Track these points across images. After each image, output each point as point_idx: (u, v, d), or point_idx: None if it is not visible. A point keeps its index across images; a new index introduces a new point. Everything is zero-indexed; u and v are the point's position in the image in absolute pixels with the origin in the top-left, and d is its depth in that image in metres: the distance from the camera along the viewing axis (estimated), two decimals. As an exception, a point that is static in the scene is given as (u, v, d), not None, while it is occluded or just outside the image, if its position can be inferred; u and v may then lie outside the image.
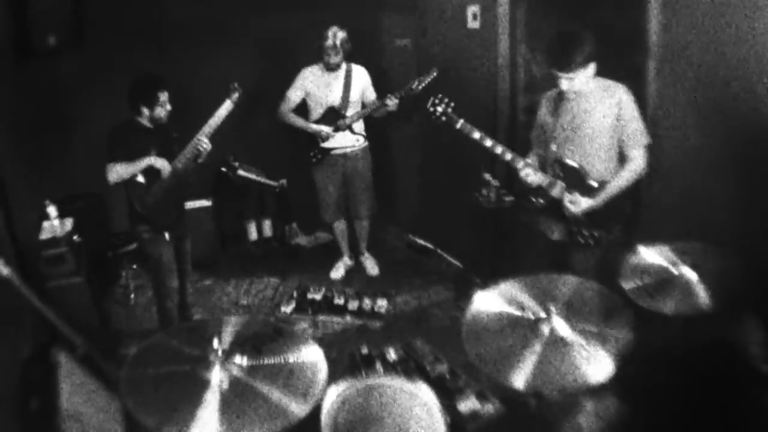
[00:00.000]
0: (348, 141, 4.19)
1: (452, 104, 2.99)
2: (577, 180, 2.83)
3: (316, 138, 4.15)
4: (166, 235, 3.35)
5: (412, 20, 4.62)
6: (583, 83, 2.68)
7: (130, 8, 4.11)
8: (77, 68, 4.04)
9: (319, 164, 4.25)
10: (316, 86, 4.11)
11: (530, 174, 2.88)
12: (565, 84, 2.68)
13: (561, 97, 2.82)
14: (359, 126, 4.22)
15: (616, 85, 2.73)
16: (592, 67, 2.67)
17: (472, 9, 3.96)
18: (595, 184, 2.80)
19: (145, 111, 3.19)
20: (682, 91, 2.77)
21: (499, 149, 2.90)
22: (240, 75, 4.71)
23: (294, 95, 4.15)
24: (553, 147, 2.87)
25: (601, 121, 2.73)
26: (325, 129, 4.10)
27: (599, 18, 3.24)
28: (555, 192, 2.89)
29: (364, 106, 4.17)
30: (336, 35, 3.91)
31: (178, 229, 3.45)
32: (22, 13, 3.56)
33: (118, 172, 3.12)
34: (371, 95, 4.18)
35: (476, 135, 2.92)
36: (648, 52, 2.86)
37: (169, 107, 3.23)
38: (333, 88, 4.10)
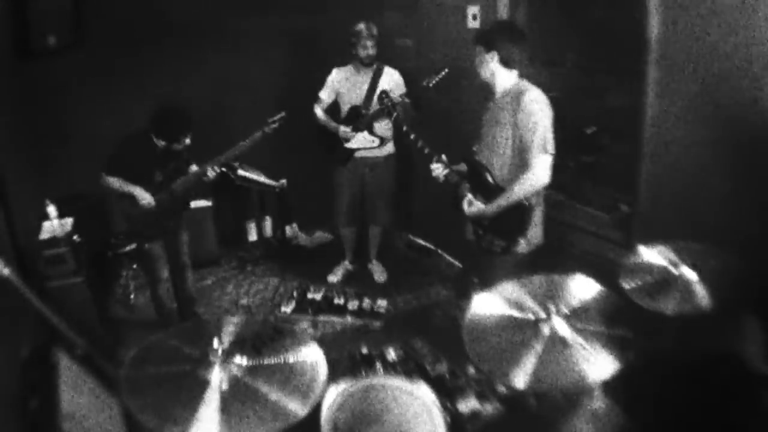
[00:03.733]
0: (366, 142, 4.10)
1: (395, 100, 3.45)
2: (480, 183, 2.82)
3: (340, 138, 4.09)
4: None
5: (413, 20, 4.62)
6: (480, 69, 2.76)
7: (130, 8, 4.11)
8: (77, 68, 4.04)
9: (342, 166, 4.18)
10: (345, 86, 4.08)
11: (436, 169, 2.97)
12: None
13: (489, 98, 2.86)
14: (383, 129, 4.11)
15: (526, 89, 2.67)
16: (490, 58, 2.71)
17: (472, 9, 3.96)
18: (494, 189, 2.76)
19: (162, 143, 3.21)
20: (682, 90, 2.77)
21: (420, 143, 3.03)
22: (240, 75, 4.72)
23: (324, 95, 4.13)
24: (475, 147, 2.93)
25: (503, 125, 2.71)
26: (344, 128, 4.04)
27: (599, 18, 3.24)
28: (461, 191, 2.91)
29: None
30: (370, 26, 3.88)
31: (167, 235, 3.50)
32: (21, 13, 3.56)
33: (108, 183, 3.25)
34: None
35: (404, 128, 3.14)
36: (648, 52, 2.86)
37: (188, 142, 3.24)
38: (360, 88, 4.04)
